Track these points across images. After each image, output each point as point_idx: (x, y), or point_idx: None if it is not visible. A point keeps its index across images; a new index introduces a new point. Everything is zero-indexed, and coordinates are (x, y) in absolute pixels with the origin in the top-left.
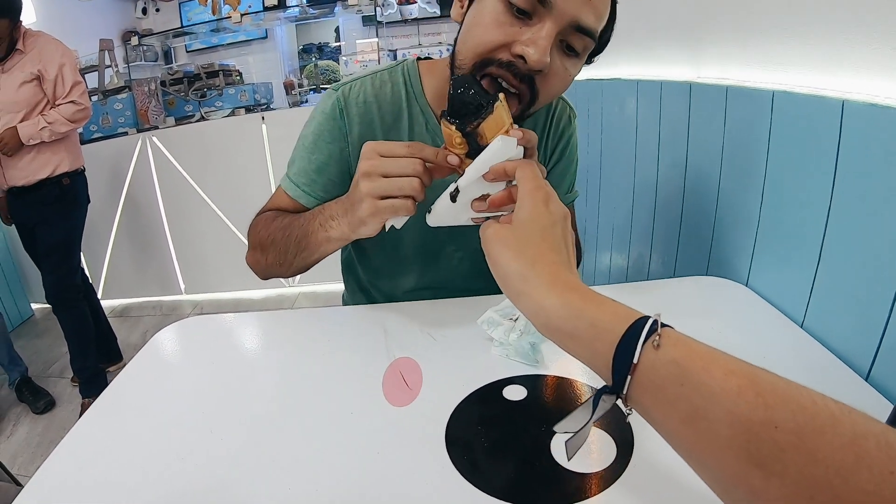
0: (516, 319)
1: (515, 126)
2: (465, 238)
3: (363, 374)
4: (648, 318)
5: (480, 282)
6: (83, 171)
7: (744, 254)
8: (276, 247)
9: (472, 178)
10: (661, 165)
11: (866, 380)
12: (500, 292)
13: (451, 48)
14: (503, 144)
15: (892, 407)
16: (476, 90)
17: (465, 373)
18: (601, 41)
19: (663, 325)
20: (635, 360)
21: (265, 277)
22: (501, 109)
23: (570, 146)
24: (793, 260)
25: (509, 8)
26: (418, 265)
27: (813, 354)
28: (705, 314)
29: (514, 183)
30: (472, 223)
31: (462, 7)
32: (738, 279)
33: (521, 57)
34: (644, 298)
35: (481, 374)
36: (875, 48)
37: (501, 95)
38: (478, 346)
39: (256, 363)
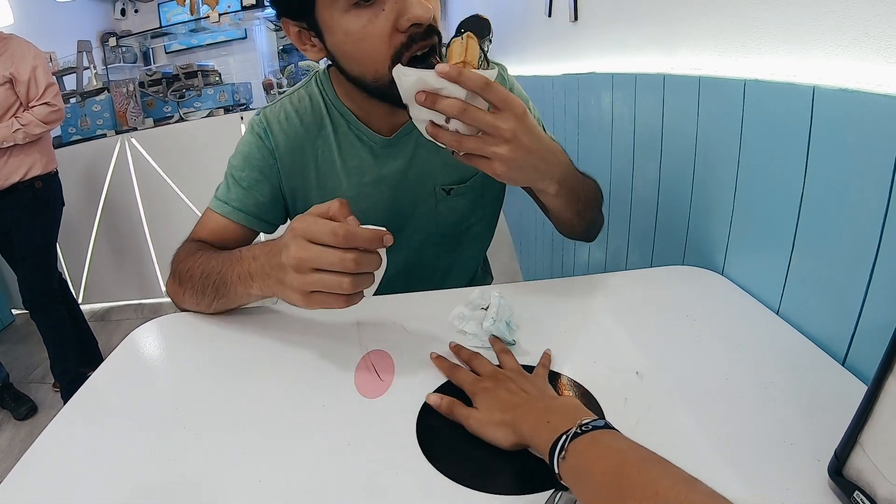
0: (486, 308)
1: (452, 65)
2: (420, 220)
3: (335, 366)
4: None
5: (448, 259)
6: (56, 173)
7: (719, 243)
8: (194, 286)
9: (407, 99)
10: (637, 158)
11: (843, 364)
12: (473, 270)
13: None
14: (403, 74)
15: (866, 389)
16: (460, 29)
17: (435, 366)
18: None
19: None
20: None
21: (182, 310)
22: (456, 44)
23: (514, 93)
24: (767, 248)
25: (361, 6)
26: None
27: (789, 341)
28: (681, 304)
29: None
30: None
31: (314, 46)
32: (714, 268)
33: (413, 24)
34: (621, 288)
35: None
36: (847, 32)
37: (465, 35)
38: (450, 338)
39: (231, 359)
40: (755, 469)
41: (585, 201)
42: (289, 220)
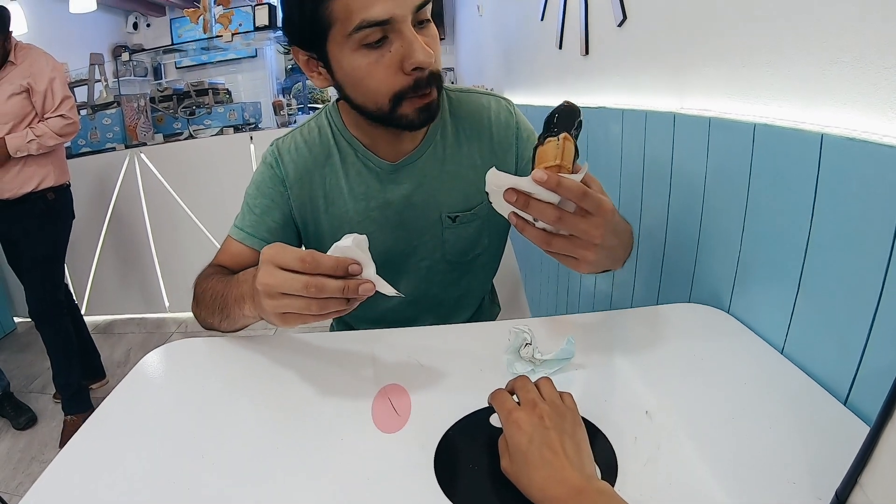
0: (529, 343)
1: (549, 171)
2: (426, 247)
3: (353, 400)
4: None
5: (456, 289)
6: (69, 186)
7: (726, 281)
8: (207, 307)
9: (491, 191)
10: (646, 193)
11: (845, 404)
12: (480, 299)
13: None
14: (496, 178)
15: (867, 430)
16: (554, 121)
17: (452, 399)
18: None
19: None
20: None
21: (206, 328)
22: (551, 146)
23: (521, 130)
24: (773, 288)
25: (371, 47)
26: (387, 279)
27: (792, 380)
28: (688, 342)
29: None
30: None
31: (321, 75)
32: (721, 306)
33: (416, 68)
34: (630, 326)
35: (469, 400)
36: (853, 83)
37: (562, 137)
38: (465, 372)
39: (247, 388)
40: None
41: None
42: (302, 246)
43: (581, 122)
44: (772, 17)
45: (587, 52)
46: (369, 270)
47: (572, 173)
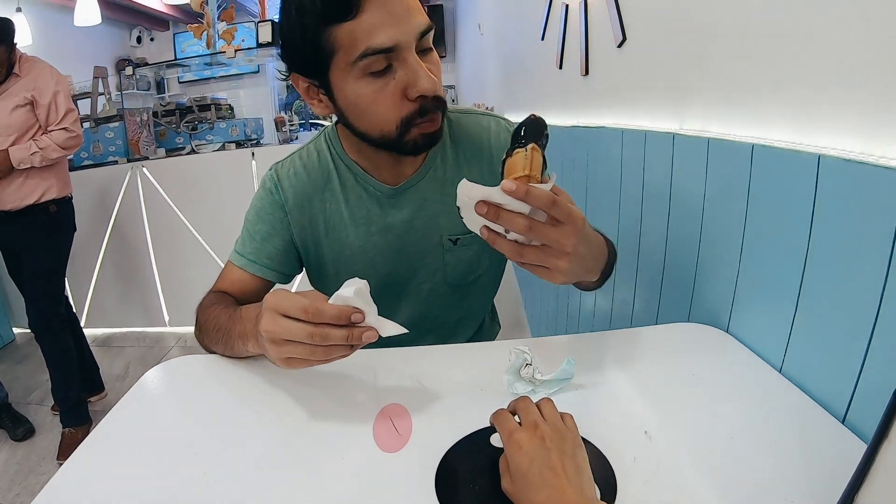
0: (529, 364)
1: (518, 181)
2: (427, 270)
3: (354, 419)
4: None
5: (457, 310)
6: (71, 198)
7: (724, 300)
8: (210, 337)
9: (462, 204)
10: (645, 212)
11: (843, 422)
12: (481, 319)
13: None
14: (467, 190)
15: (865, 448)
16: (521, 134)
17: (452, 419)
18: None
19: None
20: None
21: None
22: (520, 157)
23: None
24: (771, 307)
25: (375, 75)
26: (389, 303)
27: (791, 399)
28: (687, 362)
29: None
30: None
31: (321, 102)
32: (720, 325)
33: (421, 95)
34: (629, 346)
35: (469, 420)
36: (851, 106)
37: (530, 147)
38: (464, 392)
39: (247, 406)
40: None
41: (608, 270)
42: (304, 270)
43: (547, 134)
44: (770, 41)
45: (587, 73)
46: (371, 317)
47: (541, 183)
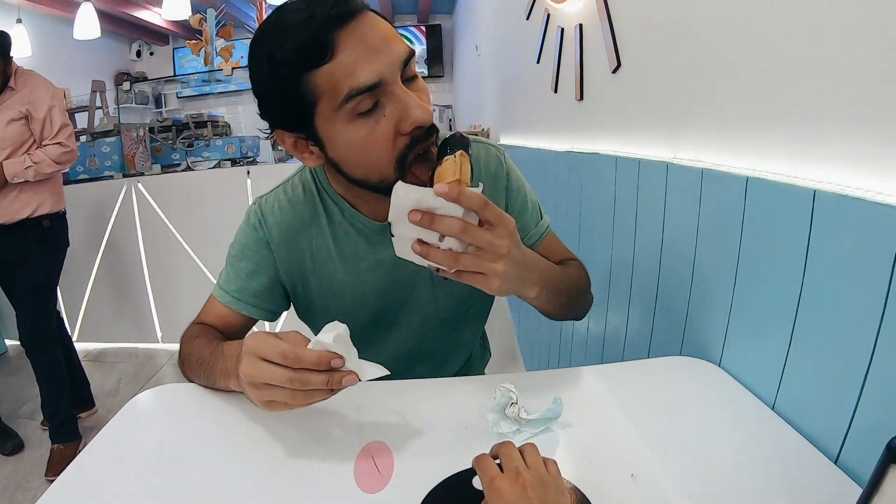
0: (515, 402)
1: (450, 184)
2: (418, 303)
3: (336, 457)
4: None
5: (448, 341)
6: (64, 213)
7: (717, 334)
8: (192, 370)
9: (394, 217)
10: (638, 241)
11: (835, 462)
12: (471, 347)
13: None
14: (403, 192)
15: (860, 490)
16: (450, 144)
17: (435, 459)
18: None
19: None
20: None
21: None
22: (449, 163)
23: (511, 181)
24: (765, 342)
25: (365, 116)
26: (380, 336)
27: (783, 437)
28: (678, 398)
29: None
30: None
31: (312, 154)
32: (712, 359)
33: (415, 126)
34: (619, 382)
35: (452, 460)
36: (847, 140)
37: (458, 154)
38: (449, 429)
39: (232, 440)
40: None
41: (568, 294)
42: (292, 306)
43: (471, 153)
44: (767, 70)
45: (581, 97)
46: (351, 362)
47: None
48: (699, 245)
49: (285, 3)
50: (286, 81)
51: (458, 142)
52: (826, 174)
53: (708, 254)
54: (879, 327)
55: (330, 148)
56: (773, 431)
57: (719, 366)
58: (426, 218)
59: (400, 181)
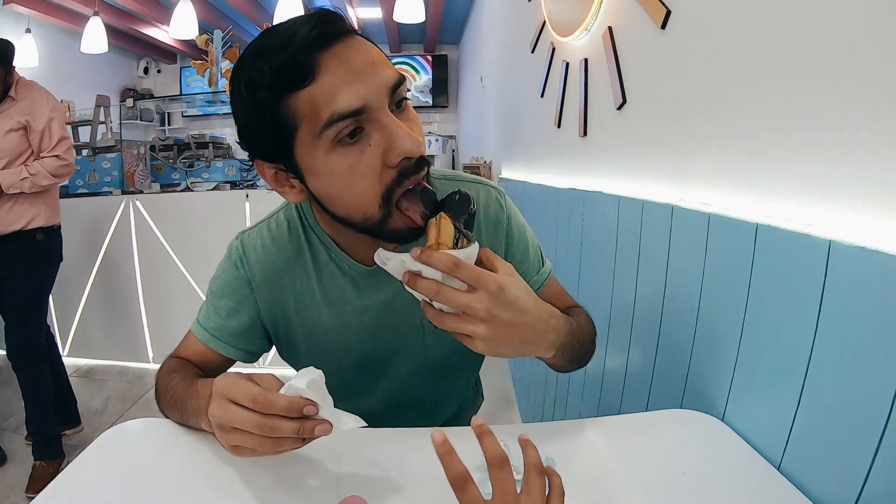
0: None
1: (423, 248)
2: (408, 352)
3: None
4: None
5: (439, 389)
6: (59, 228)
7: (721, 387)
8: (167, 406)
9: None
10: (640, 286)
11: None
12: (464, 395)
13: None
14: (385, 258)
15: None
16: (443, 205)
17: None
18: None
19: None
20: None
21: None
22: (431, 226)
23: (512, 227)
24: (772, 399)
25: (346, 144)
26: (366, 382)
27: (790, 501)
28: (678, 455)
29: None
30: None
31: (294, 188)
32: (715, 413)
33: (403, 157)
34: (617, 436)
35: None
36: (865, 184)
37: (439, 216)
38: (433, 486)
39: (205, 479)
40: None
41: (581, 348)
42: (274, 347)
43: (472, 206)
44: (778, 110)
45: (585, 134)
46: (325, 411)
47: (458, 249)
48: (704, 292)
49: (270, 27)
50: (265, 106)
51: (455, 205)
52: (843, 218)
53: (713, 302)
54: None
55: (311, 180)
56: (779, 494)
57: (722, 420)
58: (411, 280)
59: (380, 249)
